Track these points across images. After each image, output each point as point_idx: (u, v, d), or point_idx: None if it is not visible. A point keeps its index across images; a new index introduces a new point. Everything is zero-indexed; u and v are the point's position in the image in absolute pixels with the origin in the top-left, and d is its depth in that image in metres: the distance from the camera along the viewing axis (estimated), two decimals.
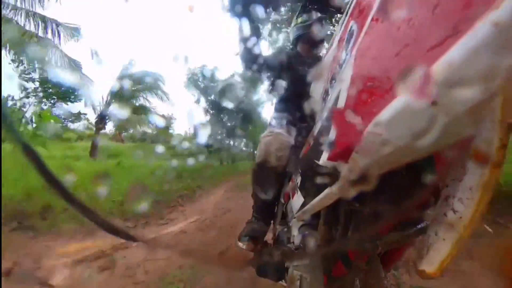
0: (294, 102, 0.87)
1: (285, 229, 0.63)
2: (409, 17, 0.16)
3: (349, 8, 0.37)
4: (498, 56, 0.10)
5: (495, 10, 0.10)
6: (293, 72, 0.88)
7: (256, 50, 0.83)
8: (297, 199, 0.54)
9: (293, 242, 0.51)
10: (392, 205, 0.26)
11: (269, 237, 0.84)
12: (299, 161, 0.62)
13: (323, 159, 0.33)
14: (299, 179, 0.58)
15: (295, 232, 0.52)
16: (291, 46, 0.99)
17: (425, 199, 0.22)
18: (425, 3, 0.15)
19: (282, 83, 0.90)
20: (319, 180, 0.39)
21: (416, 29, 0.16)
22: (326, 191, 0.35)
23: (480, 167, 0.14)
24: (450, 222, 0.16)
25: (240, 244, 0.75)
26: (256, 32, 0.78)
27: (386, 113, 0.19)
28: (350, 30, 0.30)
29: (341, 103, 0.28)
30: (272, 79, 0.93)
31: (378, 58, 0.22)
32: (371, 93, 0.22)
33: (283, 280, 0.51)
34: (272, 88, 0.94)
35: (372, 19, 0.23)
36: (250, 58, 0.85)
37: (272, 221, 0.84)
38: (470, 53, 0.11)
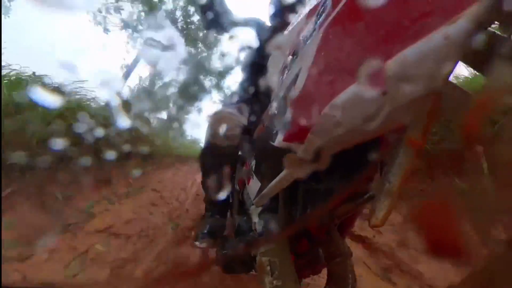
0: (247, 77, 0.85)
1: (245, 218, 0.68)
2: (381, 8, 0.18)
3: None
4: (441, 63, 0.14)
5: (450, 25, 0.13)
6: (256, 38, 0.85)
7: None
8: (254, 184, 0.58)
9: (255, 230, 0.57)
10: (344, 181, 0.34)
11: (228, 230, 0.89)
12: (253, 143, 0.65)
13: (279, 140, 0.36)
14: (253, 163, 0.61)
15: (255, 219, 0.58)
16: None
17: (370, 175, 0.30)
18: (396, 3, 0.17)
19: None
20: (274, 162, 0.43)
21: (384, 22, 0.18)
22: (283, 173, 0.39)
23: (409, 150, 0.20)
24: (386, 189, 0.23)
25: (198, 243, 0.76)
26: None
27: (342, 97, 0.22)
28: (323, 4, 0.30)
29: (300, 82, 0.30)
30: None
31: (344, 43, 0.23)
32: (331, 75, 0.24)
33: (253, 270, 0.59)
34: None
35: (346, 1, 0.23)
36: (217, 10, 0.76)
37: (229, 212, 0.88)
38: (420, 56, 0.15)
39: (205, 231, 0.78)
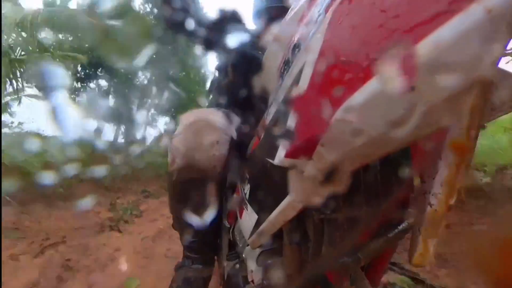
0: (238, 76, 0.84)
1: (237, 265, 0.65)
2: None
3: None
4: (485, 44, 0.14)
5: None
6: (236, 31, 0.86)
7: None
8: (248, 217, 0.56)
9: (252, 282, 0.54)
10: (370, 206, 0.33)
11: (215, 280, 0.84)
12: (246, 163, 0.64)
13: (280, 157, 0.35)
14: (247, 189, 0.60)
15: (252, 266, 0.55)
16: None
17: (404, 196, 0.30)
18: None
19: (223, 44, 0.84)
20: (275, 186, 0.41)
21: (406, 1, 0.19)
22: (287, 199, 0.38)
23: (452, 160, 0.20)
24: (428, 215, 0.22)
25: None
26: None
27: (359, 97, 0.22)
28: None
29: (304, 80, 0.30)
30: (207, 37, 0.84)
31: (358, 26, 0.24)
32: (344, 70, 0.24)
33: None
34: (207, 47, 0.86)
35: None
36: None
37: (215, 257, 0.83)
38: (459, 36, 0.15)
39: None
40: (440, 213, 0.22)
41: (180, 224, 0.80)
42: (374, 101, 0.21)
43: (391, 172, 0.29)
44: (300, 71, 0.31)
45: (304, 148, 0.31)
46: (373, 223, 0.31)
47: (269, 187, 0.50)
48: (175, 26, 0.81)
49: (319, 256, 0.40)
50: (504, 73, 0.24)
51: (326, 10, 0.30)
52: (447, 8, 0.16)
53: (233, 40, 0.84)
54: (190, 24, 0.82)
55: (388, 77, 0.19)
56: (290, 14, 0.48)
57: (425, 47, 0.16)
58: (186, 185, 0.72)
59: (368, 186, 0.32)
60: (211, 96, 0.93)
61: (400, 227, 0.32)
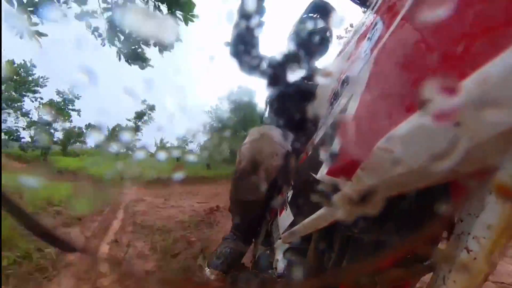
0: (294, 102, 0.86)
1: (268, 252, 0.62)
2: (444, 20, 0.17)
3: (377, 2, 0.38)
4: None
5: None
6: (296, 68, 0.90)
7: (256, 33, 0.81)
8: (286, 217, 0.54)
9: (275, 268, 0.51)
10: (398, 235, 0.27)
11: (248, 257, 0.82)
12: (293, 172, 0.62)
13: (322, 173, 0.33)
14: (290, 194, 0.58)
15: (279, 256, 0.52)
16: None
17: (435, 233, 0.23)
18: (466, 5, 0.16)
19: (283, 78, 0.90)
20: (314, 197, 0.39)
21: (450, 35, 0.16)
22: (322, 210, 0.35)
23: (502, 203, 0.15)
24: (462, 262, 0.16)
25: (208, 272, 0.70)
26: (260, 11, 0.77)
27: (402, 128, 0.20)
28: (374, 27, 0.31)
29: (351, 110, 0.28)
30: (270, 72, 0.92)
31: (402, 63, 0.22)
32: (388, 102, 0.22)
33: None
34: (271, 83, 0.94)
35: (401, 19, 0.23)
36: (249, 42, 0.82)
37: (253, 240, 0.82)
38: (508, 71, 0.12)
39: (219, 260, 0.72)
40: (480, 263, 0.15)
41: (234, 209, 0.84)
42: (417, 134, 0.18)
43: (426, 205, 0.23)
44: (348, 102, 0.30)
45: (345, 169, 0.28)
46: (397, 252, 0.25)
47: (308, 196, 0.47)
48: (246, 65, 0.88)
49: (338, 268, 0.34)
50: None
51: (372, 50, 0.28)
52: (493, 45, 0.13)
53: (293, 75, 0.86)
54: (259, 63, 0.88)
55: (432, 111, 0.16)
56: (339, 54, 0.47)
57: (472, 83, 0.13)
58: (245, 183, 0.74)
59: (400, 215, 0.26)
60: (272, 117, 0.94)
61: (426, 264, 0.24)
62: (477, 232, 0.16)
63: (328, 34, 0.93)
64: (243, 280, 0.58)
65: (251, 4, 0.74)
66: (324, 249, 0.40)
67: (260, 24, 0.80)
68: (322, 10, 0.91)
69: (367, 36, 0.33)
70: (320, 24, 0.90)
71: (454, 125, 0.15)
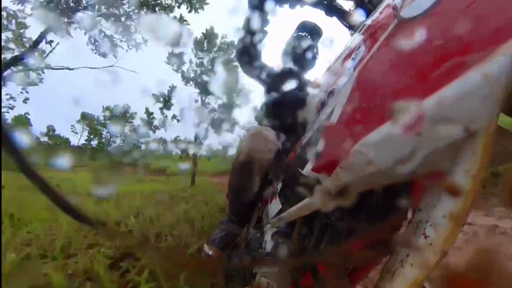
0: (287, 108, 0.88)
1: (258, 234, 0.63)
2: (413, 50, 0.18)
3: (362, 28, 0.38)
4: (482, 103, 0.12)
5: (487, 63, 0.12)
6: (292, 80, 0.93)
7: (259, 47, 0.84)
8: (275, 205, 0.55)
9: (264, 248, 0.52)
10: (367, 223, 0.29)
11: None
12: (283, 168, 0.63)
13: (307, 169, 0.34)
14: (279, 186, 0.59)
15: (267, 238, 0.53)
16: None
17: (397, 222, 0.25)
18: (431, 42, 0.17)
19: (279, 87, 0.92)
20: (299, 189, 0.40)
21: (418, 64, 0.18)
22: (306, 201, 0.36)
23: (453, 200, 0.16)
24: (419, 247, 0.16)
25: (207, 248, 0.73)
26: (264, 25, 0.79)
27: (374, 135, 0.21)
28: (358, 49, 0.32)
29: (334, 117, 0.29)
30: (268, 81, 0.96)
31: (378, 82, 0.23)
32: (365, 113, 0.23)
33: (248, 286, 0.52)
34: (268, 90, 0.97)
35: (381, 44, 0.24)
36: (253, 55, 0.86)
37: (246, 224, 0.84)
38: (459, 95, 0.13)
39: (217, 239, 0.75)
40: (435, 248, 0.16)
41: (231, 195, 0.85)
42: (386, 140, 0.19)
43: (391, 199, 0.24)
44: (332, 111, 0.31)
45: (327, 167, 0.29)
46: (366, 237, 0.26)
47: (294, 189, 0.48)
48: (250, 73, 0.93)
49: (317, 250, 0.36)
50: (501, 130, 0.17)
51: (355, 68, 0.29)
52: (449, 73, 0.14)
53: (288, 86, 0.89)
54: (261, 73, 0.93)
55: (398, 123, 0.17)
56: (327, 70, 0.48)
57: (430, 102, 0.14)
58: (243, 173, 0.76)
59: (369, 206, 0.27)
60: (267, 119, 0.98)
61: (388, 248, 0.26)
62: (434, 220, 0.16)
63: (315, 50, 0.97)
64: (237, 256, 0.59)
65: (255, 22, 0.76)
66: (306, 233, 0.41)
67: (263, 37, 0.83)
68: (310, 30, 0.95)
69: (352, 56, 0.34)
70: (308, 42, 0.94)
71: (416, 135, 0.16)
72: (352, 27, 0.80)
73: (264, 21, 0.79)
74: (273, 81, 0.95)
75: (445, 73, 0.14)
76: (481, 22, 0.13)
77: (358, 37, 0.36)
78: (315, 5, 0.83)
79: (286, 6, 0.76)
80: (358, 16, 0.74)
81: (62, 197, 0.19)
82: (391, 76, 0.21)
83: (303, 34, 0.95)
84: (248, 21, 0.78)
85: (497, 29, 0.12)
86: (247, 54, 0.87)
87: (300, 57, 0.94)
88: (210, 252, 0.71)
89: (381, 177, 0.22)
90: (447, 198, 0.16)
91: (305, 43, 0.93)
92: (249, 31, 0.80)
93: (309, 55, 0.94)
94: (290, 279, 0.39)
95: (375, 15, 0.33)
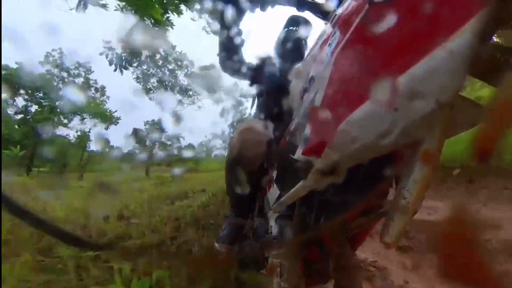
0: (272, 98, 0.89)
1: (263, 221, 0.66)
2: (384, 33, 0.18)
3: (334, 16, 0.38)
4: (449, 77, 0.13)
5: (451, 41, 0.13)
6: (272, 70, 0.93)
7: (237, 41, 0.82)
8: (273, 192, 0.57)
9: (271, 233, 0.55)
10: (358, 195, 0.31)
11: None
12: (276, 155, 0.65)
13: (298, 154, 0.36)
14: (275, 173, 0.61)
15: (272, 223, 0.56)
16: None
17: (384, 190, 0.27)
18: (400, 24, 0.17)
19: (262, 78, 0.92)
20: (294, 173, 0.41)
21: (390, 45, 0.18)
22: (300, 183, 0.38)
23: (425, 165, 0.18)
24: (401, 206, 0.20)
25: (217, 246, 0.75)
26: (238, 19, 0.77)
27: (357, 114, 0.22)
28: (333, 35, 0.31)
29: (317, 102, 0.30)
30: (251, 75, 0.96)
31: (355, 64, 0.24)
32: (345, 95, 0.24)
33: (264, 270, 0.55)
34: (252, 83, 0.96)
35: (354, 29, 0.24)
36: (231, 49, 0.85)
37: (250, 214, 0.86)
38: (428, 71, 0.14)
39: (225, 235, 0.77)
40: (411, 205, 0.20)
41: (230, 191, 0.86)
42: (367, 118, 0.21)
43: (377, 171, 0.27)
44: (315, 95, 0.31)
45: (316, 149, 0.30)
46: (359, 206, 0.29)
47: (289, 173, 0.50)
48: (229, 69, 0.93)
49: (318, 225, 0.39)
50: (464, 99, 0.20)
51: (332, 53, 0.29)
52: (418, 52, 0.15)
53: (269, 75, 0.90)
54: (240, 67, 0.93)
55: (378, 101, 0.18)
56: (307, 57, 0.48)
57: (404, 79, 0.15)
58: (237, 168, 0.76)
59: (359, 180, 0.30)
60: (255, 111, 1.00)
61: (379, 212, 0.29)
62: (409, 186, 0.19)
63: (304, 42, 0.99)
64: (247, 246, 0.62)
65: (229, 16, 0.73)
66: (306, 212, 0.44)
67: (239, 33, 0.81)
68: (298, 24, 0.97)
69: (328, 42, 0.34)
70: (297, 35, 0.96)
71: (394, 110, 0.17)
72: (325, 17, 0.79)
73: (239, 16, 0.78)
74: (254, 73, 0.96)
75: (415, 51, 0.15)
76: (447, 2, 0.14)
77: (332, 24, 0.36)
78: (285, 3, 0.82)
79: (258, 9, 0.75)
80: (330, 6, 0.73)
81: (59, 228, 0.18)
82: (366, 58, 0.21)
83: (294, 28, 0.97)
84: (221, 15, 0.75)
85: (460, 9, 0.13)
86: (225, 49, 0.86)
87: (293, 51, 0.96)
88: (222, 249, 0.73)
89: (366, 152, 0.24)
90: (418, 166, 0.18)
91: (295, 36, 0.95)
92: (224, 26, 0.79)
93: (300, 48, 0.97)
94: (299, 255, 0.42)
95: (348, 1, 0.33)
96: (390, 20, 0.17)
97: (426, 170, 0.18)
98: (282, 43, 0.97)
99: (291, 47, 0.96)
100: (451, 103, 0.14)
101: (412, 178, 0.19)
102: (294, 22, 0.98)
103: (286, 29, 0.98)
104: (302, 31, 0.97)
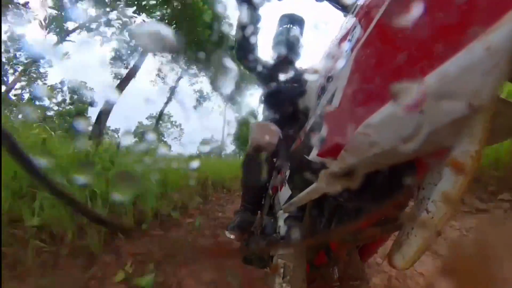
0: (286, 97, 0.90)
1: (272, 220, 0.66)
2: (411, 26, 0.16)
3: (355, 8, 0.36)
4: (485, 77, 0.11)
5: (488, 35, 0.11)
6: (288, 68, 0.94)
7: (253, 40, 0.85)
8: (285, 192, 0.57)
9: (278, 232, 0.54)
10: (373, 202, 0.29)
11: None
12: (289, 155, 0.64)
13: (313, 155, 0.34)
14: (287, 173, 0.60)
15: (281, 223, 0.55)
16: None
17: (403, 201, 0.25)
18: (429, 15, 0.15)
19: (275, 78, 0.95)
20: (307, 174, 0.40)
21: (417, 40, 0.16)
22: (313, 185, 0.37)
23: (455, 175, 0.16)
24: (423, 221, 0.18)
25: (228, 234, 0.79)
26: (256, 20, 0.80)
27: (377, 116, 0.20)
28: (353, 30, 0.30)
29: (335, 102, 0.28)
30: (265, 73, 0.98)
31: (376, 62, 0.22)
32: (365, 95, 0.22)
33: (267, 268, 0.55)
34: (266, 83, 0.99)
35: (377, 23, 0.22)
36: (247, 47, 0.89)
37: (259, 212, 0.88)
38: (461, 70, 0.12)
39: (235, 224, 0.81)
40: (435, 221, 0.17)
41: (244, 184, 0.89)
42: (388, 121, 0.19)
43: (396, 179, 0.24)
44: (333, 95, 0.30)
45: (331, 151, 0.29)
46: (374, 215, 0.27)
47: (302, 174, 0.49)
48: (247, 66, 0.97)
49: (328, 230, 0.37)
50: (505, 102, 0.16)
51: (352, 50, 0.27)
52: (450, 47, 0.13)
53: (286, 75, 0.91)
54: (257, 66, 0.96)
55: (400, 102, 0.16)
56: (325, 54, 0.46)
57: (432, 79, 0.14)
58: (252, 161, 0.81)
59: (376, 187, 0.28)
60: (267, 112, 1.02)
61: (395, 224, 0.27)
62: (435, 197, 0.17)
63: (299, 39, 0.99)
64: (254, 242, 0.63)
65: (246, 17, 0.76)
66: (317, 215, 0.42)
67: (256, 32, 0.83)
68: (292, 21, 0.98)
69: (348, 37, 0.32)
70: (293, 32, 0.97)
71: (419, 113, 0.15)
72: (345, 9, 0.75)
73: (256, 15, 0.80)
74: (269, 72, 0.98)
75: (446, 47, 0.13)
76: None
77: (352, 18, 0.33)
78: None
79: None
80: None
81: (90, 208, 0.21)
82: (389, 54, 0.19)
83: (288, 26, 0.98)
84: (239, 17, 0.79)
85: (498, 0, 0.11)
86: (242, 49, 0.90)
87: (289, 49, 0.97)
88: (232, 236, 0.78)
89: (385, 157, 0.22)
90: (447, 177, 0.16)
91: (291, 34, 0.96)
92: (241, 26, 0.82)
93: (296, 45, 0.98)
94: (305, 258, 0.41)
95: None
96: (416, 12, 0.15)
97: (458, 181, 0.16)
98: (279, 41, 0.98)
99: (289, 46, 0.96)
100: (489, 107, 0.12)
101: (440, 188, 0.16)
102: (287, 20, 0.98)
103: (281, 28, 0.98)
104: (296, 28, 0.97)
